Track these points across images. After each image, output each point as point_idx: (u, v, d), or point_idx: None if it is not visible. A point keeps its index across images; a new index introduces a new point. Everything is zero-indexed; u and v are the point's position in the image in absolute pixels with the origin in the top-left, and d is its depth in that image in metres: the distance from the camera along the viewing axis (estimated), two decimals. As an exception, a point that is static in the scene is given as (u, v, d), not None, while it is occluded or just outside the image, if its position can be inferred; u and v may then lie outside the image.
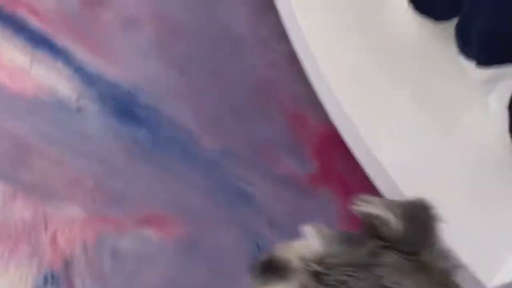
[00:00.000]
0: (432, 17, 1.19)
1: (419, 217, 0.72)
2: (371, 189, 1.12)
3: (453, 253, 0.73)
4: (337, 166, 1.28)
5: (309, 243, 0.72)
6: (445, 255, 0.72)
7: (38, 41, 1.26)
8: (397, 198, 0.76)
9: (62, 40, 1.27)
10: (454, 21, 1.15)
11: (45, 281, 1.07)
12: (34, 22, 1.28)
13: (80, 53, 1.27)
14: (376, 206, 0.72)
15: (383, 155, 1.11)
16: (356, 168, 1.16)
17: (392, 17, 1.23)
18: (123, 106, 1.24)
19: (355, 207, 0.73)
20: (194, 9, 1.36)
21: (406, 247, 0.70)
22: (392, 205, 0.72)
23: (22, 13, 1.28)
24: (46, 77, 1.23)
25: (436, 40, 1.21)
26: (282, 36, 1.32)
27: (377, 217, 0.71)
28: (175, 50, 1.32)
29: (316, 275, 0.68)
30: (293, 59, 1.29)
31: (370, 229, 0.71)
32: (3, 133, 1.17)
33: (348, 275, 0.67)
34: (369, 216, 0.72)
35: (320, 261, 0.69)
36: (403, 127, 1.15)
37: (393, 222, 0.70)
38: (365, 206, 0.73)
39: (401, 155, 1.11)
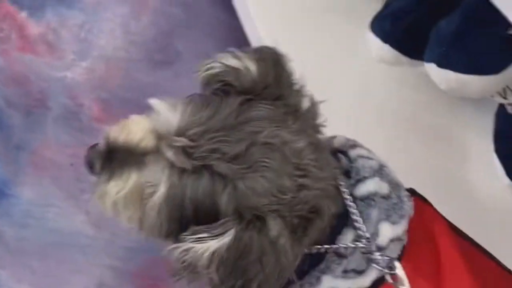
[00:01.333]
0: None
1: (270, 59, 0.67)
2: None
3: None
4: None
5: (161, 117, 0.64)
6: (303, 93, 0.69)
7: None
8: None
9: None
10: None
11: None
12: None
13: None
14: (226, 60, 0.67)
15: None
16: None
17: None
18: None
19: (201, 73, 0.68)
20: None
21: (268, 93, 0.66)
22: (240, 54, 0.67)
23: None
24: None
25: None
26: None
27: (230, 69, 0.66)
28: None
29: (183, 150, 0.61)
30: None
31: (225, 88, 0.66)
32: None
33: (220, 141, 0.61)
34: (220, 74, 0.66)
35: (183, 133, 0.62)
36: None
37: (249, 68, 0.66)
38: (213, 66, 0.67)
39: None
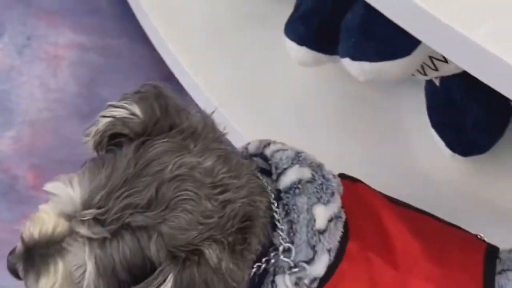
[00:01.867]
0: None
1: (151, 95, 0.66)
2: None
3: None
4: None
5: (63, 198, 0.62)
6: (194, 114, 0.68)
7: None
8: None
9: None
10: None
11: None
12: None
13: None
14: (109, 113, 0.65)
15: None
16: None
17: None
18: None
19: (88, 140, 0.66)
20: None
21: (160, 128, 0.64)
22: (120, 103, 0.66)
23: None
24: None
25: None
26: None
27: (116, 121, 0.64)
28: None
29: (95, 221, 0.59)
30: None
31: (118, 141, 0.64)
32: None
33: (127, 196, 0.59)
34: (108, 129, 0.65)
35: (89, 204, 0.60)
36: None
37: (133, 112, 0.64)
38: (98, 127, 0.65)
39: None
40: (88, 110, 1.26)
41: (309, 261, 0.67)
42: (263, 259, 0.67)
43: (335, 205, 0.69)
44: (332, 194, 0.70)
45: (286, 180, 0.69)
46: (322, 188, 0.69)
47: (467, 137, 1.05)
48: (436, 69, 0.96)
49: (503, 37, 0.61)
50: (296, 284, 0.66)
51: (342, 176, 0.77)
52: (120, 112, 0.65)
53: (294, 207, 0.67)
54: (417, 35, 0.69)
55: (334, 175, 0.72)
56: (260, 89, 1.18)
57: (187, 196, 0.60)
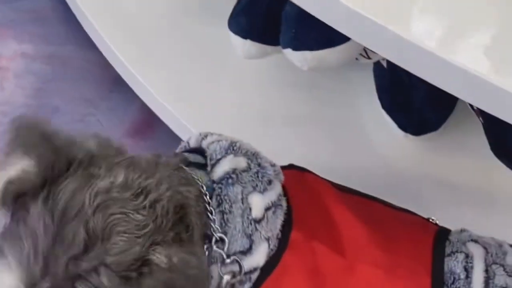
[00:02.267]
0: None
1: (36, 140, 0.61)
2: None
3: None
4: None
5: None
6: (84, 139, 0.64)
7: None
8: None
9: None
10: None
11: None
12: None
13: None
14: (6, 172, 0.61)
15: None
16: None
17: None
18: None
19: None
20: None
21: (59, 169, 0.61)
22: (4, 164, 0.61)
23: None
24: None
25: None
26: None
27: (8, 185, 0.60)
28: None
29: None
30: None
31: (22, 199, 0.61)
32: None
33: (62, 254, 0.57)
34: (6, 196, 0.60)
35: (34, 283, 0.58)
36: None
37: (24, 168, 0.60)
38: None
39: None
40: (37, 121, 1.24)
41: (246, 251, 0.66)
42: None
43: (273, 193, 0.69)
44: (269, 182, 0.69)
45: (219, 170, 0.68)
46: (257, 177, 0.69)
47: (417, 116, 1.05)
48: (379, 52, 0.97)
49: (425, 29, 0.61)
50: (234, 276, 0.66)
51: (291, 166, 0.77)
52: (11, 172, 0.61)
53: (226, 197, 0.67)
54: (343, 31, 0.68)
55: (272, 164, 0.72)
56: (209, 85, 1.17)
57: (116, 219, 0.59)
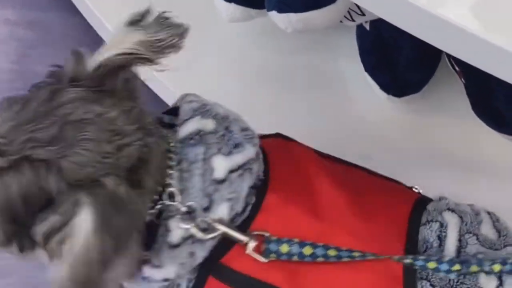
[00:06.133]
0: None
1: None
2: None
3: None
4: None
5: None
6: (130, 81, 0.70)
7: None
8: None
9: None
10: None
11: None
12: None
13: None
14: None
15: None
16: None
17: None
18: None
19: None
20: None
21: (90, 81, 0.66)
22: None
23: None
24: None
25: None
26: None
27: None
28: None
29: None
30: None
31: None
32: None
33: (32, 131, 0.61)
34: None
35: None
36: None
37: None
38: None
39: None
40: (22, 86, 1.23)
41: (205, 209, 0.67)
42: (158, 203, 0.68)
43: (240, 157, 0.69)
44: (236, 145, 0.70)
45: (183, 130, 0.70)
46: (223, 140, 0.70)
47: (400, 78, 1.06)
48: (363, 14, 0.97)
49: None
50: (200, 227, 0.67)
51: (277, 135, 0.79)
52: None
53: (185, 156, 0.68)
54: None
55: (244, 128, 0.73)
56: (193, 49, 1.17)
57: (88, 137, 0.62)
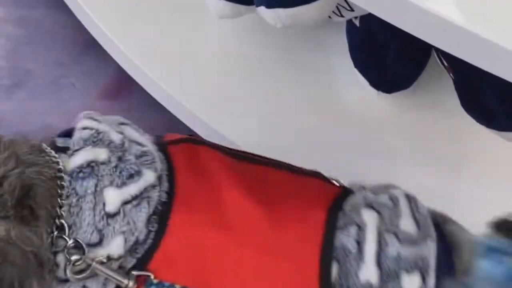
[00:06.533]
0: None
1: None
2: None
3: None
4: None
5: None
6: None
7: None
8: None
9: None
10: None
11: None
12: None
13: None
14: None
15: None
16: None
17: None
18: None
19: None
20: None
21: None
22: None
23: None
24: None
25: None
26: None
27: None
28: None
29: None
30: None
31: None
32: None
33: None
34: None
35: None
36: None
37: None
38: None
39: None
40: (9, 83, 1.24)
41: (96, 244, 0.65)
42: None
43: (135, 187, 0.67)
44: (131, 176, 0.67)
45: (73, 162, 0.67)
46: (115, 171, 0.67)
47: (389, 74, 1.06)
48: (352, 10, 0.97)
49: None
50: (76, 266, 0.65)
51: (187, 140, 0.75)
52: None
53: (73, 191, 0.66)
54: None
55: (143, 152, 0.70)
56: (185, 46, 1.17)
57: None
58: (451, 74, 0.99)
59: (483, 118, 0.95)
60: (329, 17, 0.99)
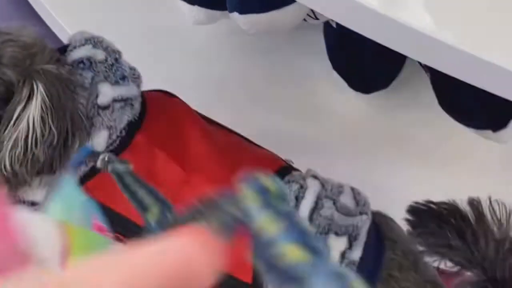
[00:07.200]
0: None
1: None
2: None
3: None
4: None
5: None
6: None
7: None
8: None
9: None
10: None
11: None
12: None
13: None
14: None
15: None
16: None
17: None
18: None
19: None
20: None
21: None
22: None
23: None
24: None
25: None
26: None
27: None
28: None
29: None
30: None
31: None
32: None
33: None
34: None
35: None
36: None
37: None
38: None
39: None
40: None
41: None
42: None
43: (125, 89, 0.73)
44: (123, 77, 0.73)
45: (74, 55, 0.74)
46: (111, 69, 0.73)
47: (368, 75, 1.06)
48: (326, 12, 0.96)
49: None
50: None
51: (161, 91, 0.82)
52: None
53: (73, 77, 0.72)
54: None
55: (132, 67, 0.76)
56: (159, 52, 1.17)
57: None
58: (428, 74, 0.98)
59: (461, 118, 0.95)
60: (305, 20, 0.99)
